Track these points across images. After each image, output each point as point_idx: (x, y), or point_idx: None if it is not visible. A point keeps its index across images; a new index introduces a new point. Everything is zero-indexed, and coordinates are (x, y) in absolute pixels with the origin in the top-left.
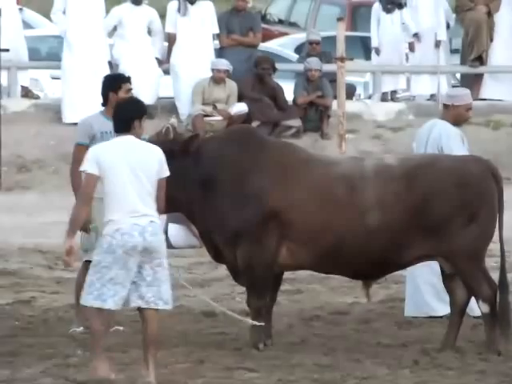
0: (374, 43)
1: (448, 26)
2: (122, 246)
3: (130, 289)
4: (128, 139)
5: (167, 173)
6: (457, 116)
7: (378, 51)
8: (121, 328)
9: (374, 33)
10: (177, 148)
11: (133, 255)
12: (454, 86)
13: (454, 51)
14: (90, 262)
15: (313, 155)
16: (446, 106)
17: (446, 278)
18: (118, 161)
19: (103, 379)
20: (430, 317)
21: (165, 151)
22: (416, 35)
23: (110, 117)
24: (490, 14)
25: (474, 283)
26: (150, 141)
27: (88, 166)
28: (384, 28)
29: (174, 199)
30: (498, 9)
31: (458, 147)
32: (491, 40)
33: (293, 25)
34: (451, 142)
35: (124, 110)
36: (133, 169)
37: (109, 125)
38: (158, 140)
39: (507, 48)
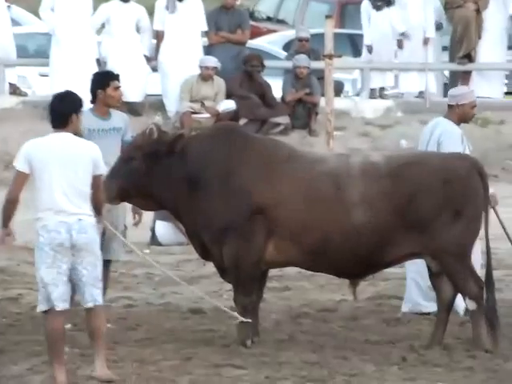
0: (366, 41)
1: (441, 26)
2: (49, 243)
3: (75, 288)
4: (63, 136)
5: (103, 170)
6: (462, 115)
7: (370, 49)
8: (108, 325)
9: (366, 30)
10: (163, 148)
11: (60, 252)
12: (445, 83)
13: (445, 48)
14: None
15: (299, 152)
16: (450, 107)
17: (433, 276)
18: (50, 158)
19: None
20: (423, 313)
21: (150, 151)
22: (403, 34)
23: (99, 114)
24: (478, 12)
25: (460, 280)
26: (135, 141)
27: (19, 163)
28: (373, 25)
29: (162, 198)
30: (487, 6)
31: (455, 147)
32: (480, 37)
33: (281, 22)
34: (451, 141)
35: (61, 105)
36: (64, 167)
37: (97, 122)
38: (143, 140)
39: (495, 45)
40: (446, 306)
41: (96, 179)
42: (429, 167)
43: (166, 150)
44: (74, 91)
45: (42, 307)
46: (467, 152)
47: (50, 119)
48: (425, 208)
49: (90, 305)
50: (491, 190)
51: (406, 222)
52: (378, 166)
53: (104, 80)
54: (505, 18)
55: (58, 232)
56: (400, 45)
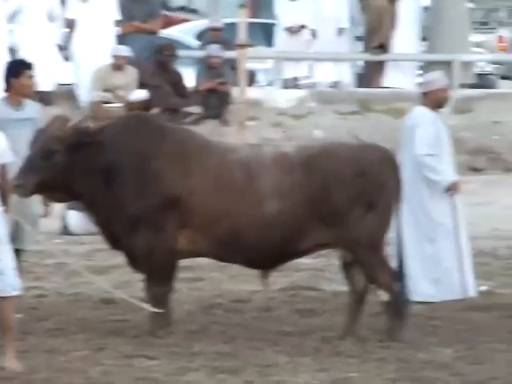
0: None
1: (354, 19)
2: None
3: None
4: None
5: (9, 158)
6: (436, 100)
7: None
8: (18, 315)
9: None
10: (86, 139)
11: None
12: (359, 74)
13: (358, 38)
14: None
15: (211, 141)
16: (424, 94)
17: (345, 266)
18: None
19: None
20: None
21: (73, 143)
22: (303, 27)
23: (12, 104)
24: (392, 2)
25: (373, 272)
26: (52, 133)
27: None
28: (286, 15)
29: (78, 190)
30: None
31: (427, 129)
32: (394, 28)
33: (194, 11)
34: (423, 125)
35: None
36: None
37: (10, 112)
38: (64, 132)
39: (409, 36)
40: (359, 297)
41: (2, 168)
42: (340, 158)
43: (90, 140)
44: None
45: None
46: (445, 137)
47: None
48: (336, 199)
49: (4, 293)
50: (454, 177)
51: (318, 212)
52: (289, 157)
53: (17, 68)
54: (418, 9)
55: None
56: (314, 34)
